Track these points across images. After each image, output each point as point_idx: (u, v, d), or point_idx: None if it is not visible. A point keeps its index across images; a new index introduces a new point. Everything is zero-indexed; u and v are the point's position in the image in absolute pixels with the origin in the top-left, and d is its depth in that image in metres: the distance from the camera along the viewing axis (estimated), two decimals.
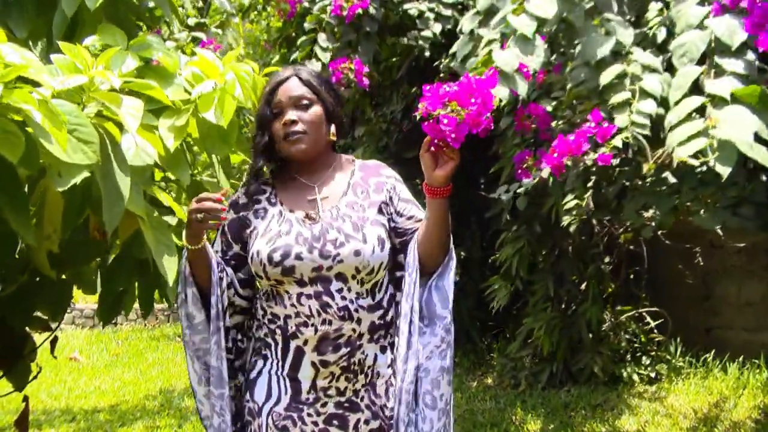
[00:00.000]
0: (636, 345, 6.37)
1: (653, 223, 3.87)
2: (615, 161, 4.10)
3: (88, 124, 1.79)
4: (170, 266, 2.11)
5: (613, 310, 6.46)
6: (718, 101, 2.73)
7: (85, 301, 10.27)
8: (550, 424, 5.47)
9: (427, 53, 5.64)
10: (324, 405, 2.29)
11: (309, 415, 2.29)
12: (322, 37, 5.13)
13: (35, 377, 2.95)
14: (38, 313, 2.78)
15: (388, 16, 5.52)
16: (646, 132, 2.99)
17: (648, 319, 6.49)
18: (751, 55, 2.83)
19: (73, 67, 1.99)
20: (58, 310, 2.78)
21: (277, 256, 2.24)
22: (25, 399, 3.08)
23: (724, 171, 2.57)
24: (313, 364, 2.27)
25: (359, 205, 2.36)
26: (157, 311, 11.01)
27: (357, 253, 2.25)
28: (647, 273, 6.67)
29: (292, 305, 2.26)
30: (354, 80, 4.83)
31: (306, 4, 5.79)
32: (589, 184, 4.21)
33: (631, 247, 6.51)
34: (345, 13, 5.03)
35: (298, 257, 2.24)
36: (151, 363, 8.56)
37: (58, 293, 2.68)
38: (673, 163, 2.75)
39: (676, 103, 2.82)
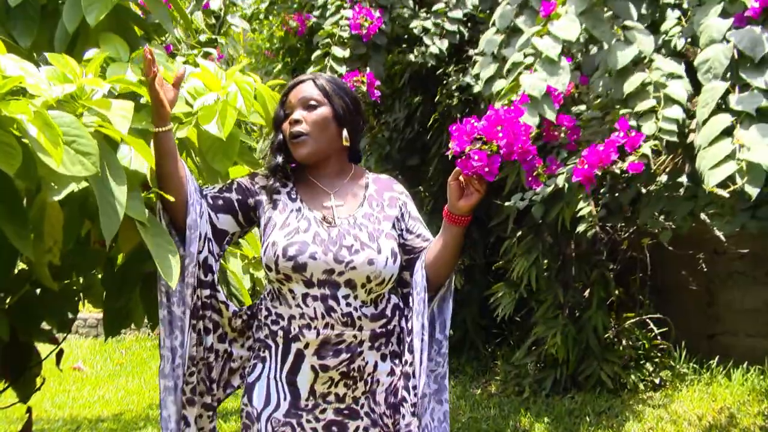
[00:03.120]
0: (640, 352, 6.36)
1: (657, 230, 3.88)
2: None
3: (87, 136, 1.79)
4: (173, 271, 2.10)
5: (617, 317, 6.46)
6: (744, 118, 2.74)
7: (88, 311, 10.27)
8: (555, 431, 5.47)
9: (431, 65, 5.66)
10: (323, 411, 2.30)
11: (308, 421, 2.30)
12: (336, 50, 5.16)
13: (39, 388, 2.96)
14: (44, 325, 2.79)
15: (393, 29, 5.54)
16: (674, 138, 2.98)
17: (652, 325, 6.48)
18: None
19: (63, 77, 1.99)
20: (63, 322, 2.78)
21: (292, 251, 2.25)
22: (29, 410, 3.08)
23: (753, 192, 2.61)
24: (313, 368, 2.28)
25: (375, 217, 2.37)
26: None
27: (371, 262, 2.26)
28: (650, 279, 6.66)
29: (297, 306, 2.27)
30: (366, 93, 4.87)
31: (314, 19, 5.82)
32: (603, 190, 4.21)
33: (635, 253, 6.51)
34: (364, 31, 5.08)
35: (313, 257, 2.25)
36: (154, 372, 8.54)
37: (64, 305, 2.68)
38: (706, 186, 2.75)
39: (704, 122, 2.82)
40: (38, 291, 2.56)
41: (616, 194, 4.13)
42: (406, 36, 5.81)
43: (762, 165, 2.59)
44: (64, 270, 2.37)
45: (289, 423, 2.30)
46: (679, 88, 3.06)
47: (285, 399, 2.31)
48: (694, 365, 6.32)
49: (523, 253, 6.21)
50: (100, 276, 2.69)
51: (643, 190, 3.84)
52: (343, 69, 5.07)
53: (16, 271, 2.37)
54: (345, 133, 2.41)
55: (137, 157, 2.10)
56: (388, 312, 2.37)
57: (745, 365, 6.12)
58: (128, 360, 9.41)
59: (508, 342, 7.18)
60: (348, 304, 2.27)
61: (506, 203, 5.31)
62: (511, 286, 6.42)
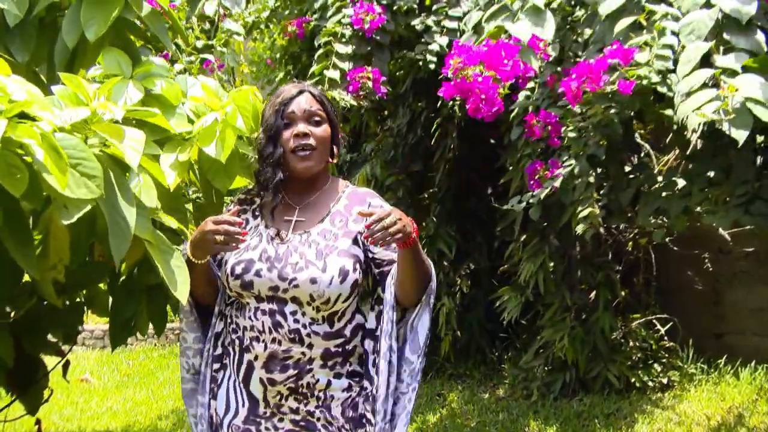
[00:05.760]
0: (647, 352, 6.35)
1: (665, 228, 3.87)
2: (627, 167, 4.09)
3: (92, 158, 1.79)
4: (182, 288, 2.10)
5: (624, 318, 6.45)
6: (729, 74, 2.74)
7: (94, 322, 10.26)
8: None
9: (432, 66, 5.64)
10: (281, 420, 2.31)
11: (267, 429, 2.32)
12: (339, 47, 5.12)
13: (47, 400, 2.96)
14: (50, 337, 2.79)
15: (397, 29, 5.52)
16: (669, 64, 2.94)
17: (658, 326, 6.47)
18: (759, 33, 2.84)
19: (75, 98, 1.99)
20: (69, 334, 2.78)
21: (238, 269, 2.28)
22: (38, 422, 3.09)
23: (740, 135, 2.59)
24: (261, 380, 2.29)
25: (332, 234, 2.34)
26: (168, 330, 10.98)
27: (313, 281, 2.24)
28: (656, 280, 6.65)
29: (249, 318, 2.29)
30: (372, 89, 4.84)
31: (314, 22, 5.81)
32: (603, 191, 4.20)
33: (640, 254, 6.49)
34: (367, 26, 5.04)
35: (258, 274, 2.27)
36: (162, 383, 8.54)
37: (69, 317, 2.68)
38: (689, 140, 2.73)
39: (685, 76, 2.81)
40: (44, 303, 2.57)
41: (615, 196, 4.13)
42: (408, 39, 5.79)
43: (750, 100, 2.57)
44: (69, 286, 2.37)
45: (248, 430, 2.32)
46: (674, 24, 3.03)
47: (243, 406, 2.33)
48: (702, 365, 6.30)
49: (529, 257, 6.20)
50: (104, 286, 2.69)
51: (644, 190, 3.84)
52: (346, 65, 5.03)
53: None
54: (335, 150, 2.45)
55: (147, 191, 2.08)
56: (347, 332, 2.34)
57: (752, 364, 6.10)
58: (135, 371, 9.40)
59: (514, 345, 7.17)
60: (296, 321, 2.26)
61: (504, 207, 5.32)
62: (517, 290, 6.40)
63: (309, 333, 2.26)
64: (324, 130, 2.37)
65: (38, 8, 2.40)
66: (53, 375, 2.98)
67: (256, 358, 2.29)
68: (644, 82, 2.95)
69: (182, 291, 2.11)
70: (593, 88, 2.95)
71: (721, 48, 2.87)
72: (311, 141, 2.33)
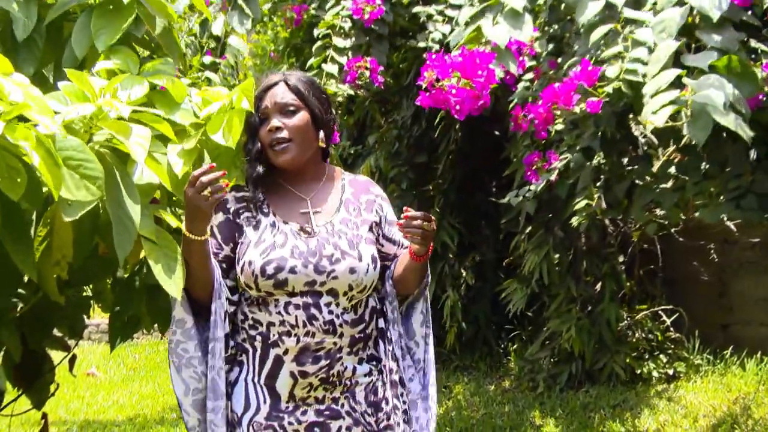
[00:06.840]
0: (653, 343, 6.35)
1: (666, 221, 3.86)
2: (625, 160, 4.08)
3: (94, 160, 1.78)
4: (176, 288, 2.08)
5: (630, 309, 6.44)
6: (697, 74, 2.73)
7: (100, 317, 10.29)
8: (570, 426, 5.45)
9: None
10: (304, 413, 2.28)
11: (290, 423, 2.27)
12: (337, 40, 5.09)
13: (53, 394, 2.96)
14: (56, 332, 2.79)
15: (396, 21, 5.51)
16: (639, 78, 2.94)
17: (664, 317, 6.47)
18: (732, 30, 2.83)
19: (81, 94, 1.99)
20: (75, 328, 2.78)
21: (270, 269, 2.23)
22: (44, 416, 3.10)
23: (700, 138, 2.59)
24: (292, 374, 2.26)
25: (353, 223, 2.35)
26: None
27: (352, 271, 2.25)
28: (662, 271, 6.64)
29: (278, 313, 2.25)
30: (369, 79, 4.81)
31: (313, 12, 5.79)
32: (599, 184, 4.19)
33: (645, 245, 6.48)
34: (366, 17, 4.99)
35: (292, 271, 2.23)
36: (168, 376, 8.54)
37: (75, 312, 2.68)
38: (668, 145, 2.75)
39: (654, 76, 2.81)
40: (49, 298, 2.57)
41: (612, 188, 4.12)
42: (410, 32, 5.78)
43: (706, 106, 2.58)
44: (73, 282, 2.36)
45: (271, 426, 2.28)
46: (647, 33, 3.01)
47: (265, 402, 2.29)
48: (708, 356, 6.30)
49: (533, 248, 6.20)
50: (110, 282, 2.69)
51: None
52: (344, 60, 5.00)
53: (26, 278, 2.36)
54: (321, 134, 2.37)
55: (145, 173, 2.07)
56: (366, 316, 2.36)
57: (759, 355, 6.09)
58: (141, 364, 9.43)
59: (520, 337, 7.17)
60: (330, 312, 2.25)
61: (500, 201, 5.31)
62: (523, 282, 6.41)
63: (341, 323, 2.26)
64: (299, 118, 2.31)
65: (49, 18, 2.39)
66: (59, 369, 2.98)
67: (286, 352, 2.25)
68: (613, 88, 2.97)
69: (177, 288, 2.07)
70: (567, 108, 2.97)
71: (693, 47, 2.86)
72: (284, 134, 2.29)
